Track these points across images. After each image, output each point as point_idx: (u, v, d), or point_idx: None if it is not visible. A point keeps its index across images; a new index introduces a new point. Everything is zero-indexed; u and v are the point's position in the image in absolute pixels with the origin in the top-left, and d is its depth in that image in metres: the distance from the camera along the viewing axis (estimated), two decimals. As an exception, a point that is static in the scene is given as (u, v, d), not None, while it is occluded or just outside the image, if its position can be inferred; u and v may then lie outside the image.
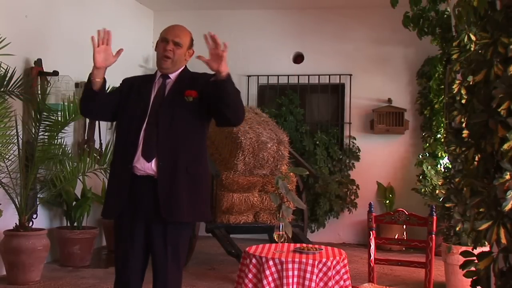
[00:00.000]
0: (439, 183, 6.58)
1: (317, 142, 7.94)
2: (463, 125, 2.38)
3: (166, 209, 3.00)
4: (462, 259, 2.25)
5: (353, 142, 8.10)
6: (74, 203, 6.03)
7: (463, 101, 3.48)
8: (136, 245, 3.08)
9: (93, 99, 3.14)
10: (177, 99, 3.12)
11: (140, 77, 3.41)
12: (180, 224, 3.09)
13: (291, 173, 5.80)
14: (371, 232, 3.75)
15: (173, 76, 3.20)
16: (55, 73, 5.93)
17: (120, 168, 3.11)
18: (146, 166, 3.03)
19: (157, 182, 3.02)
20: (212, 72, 3.08)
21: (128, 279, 3.11)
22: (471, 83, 2.32)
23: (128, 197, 3.05)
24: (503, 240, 1.99)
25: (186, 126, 3.11)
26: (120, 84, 3.33)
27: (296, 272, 3.16)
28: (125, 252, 3.10)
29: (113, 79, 3.79)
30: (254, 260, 3.26)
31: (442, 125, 7.45)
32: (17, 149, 5.36)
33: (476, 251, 2.22)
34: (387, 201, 7.76)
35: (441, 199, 5.25)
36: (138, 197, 3.05)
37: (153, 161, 3.03)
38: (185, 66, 3.28)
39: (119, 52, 3.07)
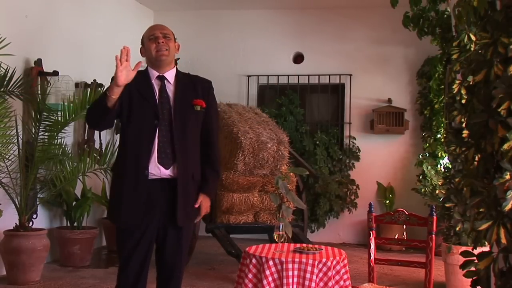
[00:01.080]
0: (439, 183, 6.58)
1: (317, 142, 7.94)
2: (463, 125, 2.38)
3: (182, 214, 3.08)
4: (462, 259, 2.24)
5: (353, 142, 8.10)
6: (74, 203, 6.03)
7: (463, 101, 3.47)
8: (151, 248, 3.13)
9: (106, 115, 3.04)
10: (186, 106, 3.13)
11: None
12: (189, 226, 3.21)
13: (291, 173, 5.80)
14: (371, 232, 3.75)
15: (170, 77, 3.17)
16: (55, 73, 5.93)
17: (133, 174, 3.05)
18: (162, 172, 3.05)
19: (173, 185, 3.06)
20: (207, 79, 3.33)
21: (143, 275, 3.14)
22: (471, 83, 2.32)
23: (145, 202, 3.06)
24: (503, 240, 1.99)
25: (194, 134, 3.16)
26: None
27: (296, 272, 3.16)
28: (139, 254, 3.08)
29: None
30: (254, 260, 3.26)
31: (442, 125, 7.45)
32: (17, 149, 5.36)
33: (476, 251, 2.22)
34: (387, 201, 7.76)
35: (441, 199, 5.25)
36: (153, 200, 3.06)
37: (171, 167, 3.05)
38: (176, 66, 3.27)
39: (138, 65, 2.98)
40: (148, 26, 3.35)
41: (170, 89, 3.15)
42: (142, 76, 3.18)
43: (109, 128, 5.41)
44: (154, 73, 3.16)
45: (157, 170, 3.03)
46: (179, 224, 3.09)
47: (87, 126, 6.50)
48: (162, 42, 3.12)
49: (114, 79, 2.94)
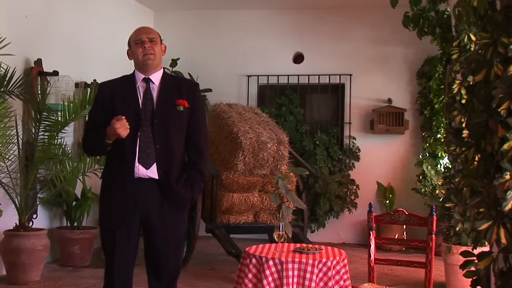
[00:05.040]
0: (439, 183, 6.58)
1: (317, 142, 7.94)
2: (463, 125, 2.38)
3: (164, 211, 3.13)
4: (462, 259, 2.24)
5: (353, 142, 8.10)
6: (74, 203, 6.03)
7: (463, 101, 3.47)
8: (136, 247, 3.19)
9: (105, 152, 3.19)
10: (168, 107, 3.16)
11: (118, 80, 3.31)
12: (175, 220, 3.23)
13: (291, 173, 5.80)
14: (371, 232, 3.75)
15: (155, 79, 3.19)
16: (55, 73, 5.93)
17: (120, 175, 3.11)
18: (141, 172, 3.09)
19: (155, 185, 3.10)
20: (194, 81, 3.30)
21: (129, 277, 3.18)
22: (471, 83, 2.31)
23: (129, 202, 3.10)
24: (503, 240, 1.99)
25: (178, 135, 3.18)
26: (98, 93, 3.31)
27: (296, 272, 3.16)
28: (124, 253, 3.13)
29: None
30: (254, 260, 3.26)
31: (442, 125, 7.45)
32: (17, 149, 5.35)
33: (476, 251, 2.22)
34: (387, 201, 7.76)
35: (441, 199, 5.25)
36: (137, 199, 3.10)
37: (151, 168, 3.09)
38: (163, 68, 3.30)
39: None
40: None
41: (154, 90, 3.18)
42: (127, 80, 3.24)
43: None
44: (140, 76, 3.20)
45: (136, 170, 3.07)
46: (163, 222, 3.13)
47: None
48: (148, 47, 3.15)
49: (114, 132, 3.01)
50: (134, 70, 3.24)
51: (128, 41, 3.25)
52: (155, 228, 3.13)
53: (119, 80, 3.30)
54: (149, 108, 3.13)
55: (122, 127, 3.00)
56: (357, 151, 8.07)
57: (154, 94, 3.17)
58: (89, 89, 6.07)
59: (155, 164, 3.09)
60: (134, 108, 3.12)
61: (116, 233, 3.10)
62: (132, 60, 3.24)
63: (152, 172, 3.09)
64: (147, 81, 3.18)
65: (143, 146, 3.09)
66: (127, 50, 3.26)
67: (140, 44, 3.16)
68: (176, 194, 3.13)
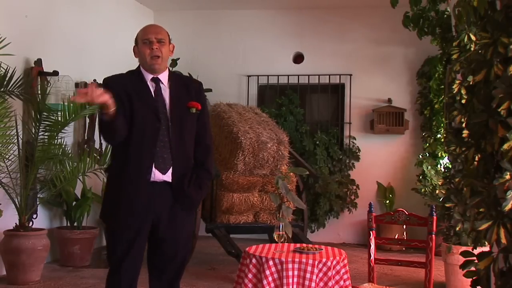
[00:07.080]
0: (439, 183, 6.58)
1: (317, 142, 7.94)
2: (463, 125, 2.38)
3: (176, 215, 3.14)
4: (462, 259, 2.25)
5: (353, 142, 8.10)
6: (74, 203, 6.03)
7: (463, 101, 3.47)
8: (143, 249, 3.18)
9: (114, 128, 2.98)
10: (182, 110, 3.11)
11: (126, 77, 3.17)
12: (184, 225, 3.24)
13: (291, 173, 5.80)
14: (371, 232, 3.75)
15: (163, 79, 3.14)
16: (55, 73, 5.93)
17: (135, 178, 3.04)
18: (157, 177, 3.06)
19: (169, 188, 3.08)
20: (197, 80, 3.43)
21: (135, 279, 3.18)
22: (471, 83, 2.31)
23: (142, 205, 3.08)
24: (503, 240, 1.99)
25: (190, 137, 3.16)
26: (108, 87, 3.08)
27: (296, 272, 3.16)
28: (132, 256, 3.11)
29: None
30: (254, 260, 3.26)
31: (442, 125, 7.45)
32: (17, 149, 5.35)
33: (476, 251, 2.22)
34: (387, 201, 7.76)
35: (441, 199, 5.25)
36: (150, 203, 3.08)
37: (167, 173, 3.07)
38: (168, 67, 3.25)
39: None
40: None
41: (165, 91, 3.13)
42: (136, 77, 3.15)
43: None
44: (148, 75, 3.13)
45: (153, 175, 3.04)
46: (173, 228, 3.12)
47: (87, 126, 6.51)
48: (156, 48, 3.08)
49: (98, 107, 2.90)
50: (140, 67, 3.17)
51: (136, 38, 3.17)
52: (164, 229, 3.10)
53: (128, 77, 3.17)
54: (162, 110, 3.07)
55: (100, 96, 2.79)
56: (357, 151, 8.07)
57: (166, 95, 3.11)
58: (89, 89, 6.06)
59: (171, 168, 3.06)
60: (152, 111, 3.04)
61: (125, 234, 3.07)
62: (138, 58, 3.18)
63: (167, 176, 3.06)
64: (157, 81, 3.12)
65: (158, 150, 3.04)
66: (133, 47, 3.18)
67: (148, 44, 3.07)
68: (188, 196, 3.11)
